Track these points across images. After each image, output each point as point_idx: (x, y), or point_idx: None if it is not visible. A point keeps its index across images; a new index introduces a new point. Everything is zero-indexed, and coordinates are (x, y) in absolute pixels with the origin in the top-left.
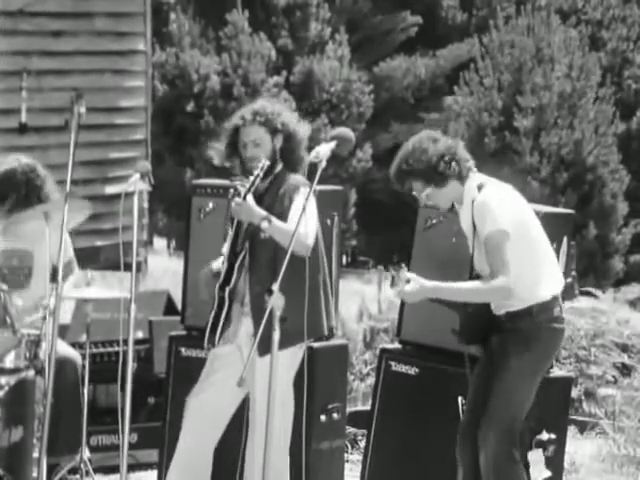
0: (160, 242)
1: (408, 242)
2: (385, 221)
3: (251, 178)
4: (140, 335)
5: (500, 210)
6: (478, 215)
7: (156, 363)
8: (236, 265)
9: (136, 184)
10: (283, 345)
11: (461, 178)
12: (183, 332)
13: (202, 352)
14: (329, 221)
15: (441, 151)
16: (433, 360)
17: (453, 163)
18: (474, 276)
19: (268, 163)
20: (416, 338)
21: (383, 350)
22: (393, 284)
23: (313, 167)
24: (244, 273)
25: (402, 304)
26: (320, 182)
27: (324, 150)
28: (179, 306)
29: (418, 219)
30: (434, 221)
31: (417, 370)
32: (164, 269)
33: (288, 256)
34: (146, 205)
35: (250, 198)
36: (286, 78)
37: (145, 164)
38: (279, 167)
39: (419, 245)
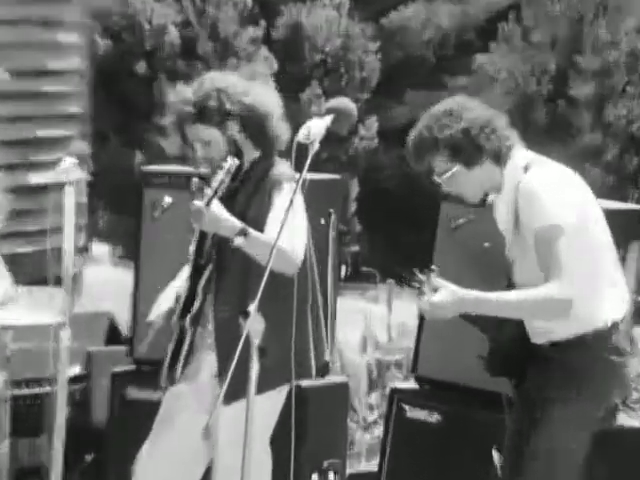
0: (101, 248)
1: (427, 249)
2: (397, 220)
3: (215, 180)
4: (75, 371)
5: (555, 198)
6: (525, 204)
7: (95, 408)
8: (200, 285)
9: (70, 172)
10: (259, 388)
11: (499, 159)
12: (130, 367)
13: (155, 394)
14: (324, 220)
15: (476, 120)
16: (460, 403)
17: (492, 136)
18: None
19: (237, 163)
20: (437, 374)
21: (394, 390)
22: (420, 293)
23: (303, 150)
24: (210, 294)
25: (420, 330)
26: (312, 169)
27: (317, 127)
28: (125, 332)
29: (440, 218)
30: (461, 220)
31: (439, 417)
32: (106, 283)
33: (267, 273)
34: (84, 200)
35: (216, 205)
36: (266, 31)
37: (82, 145)
38: (254, 154)
39: (442, 252)
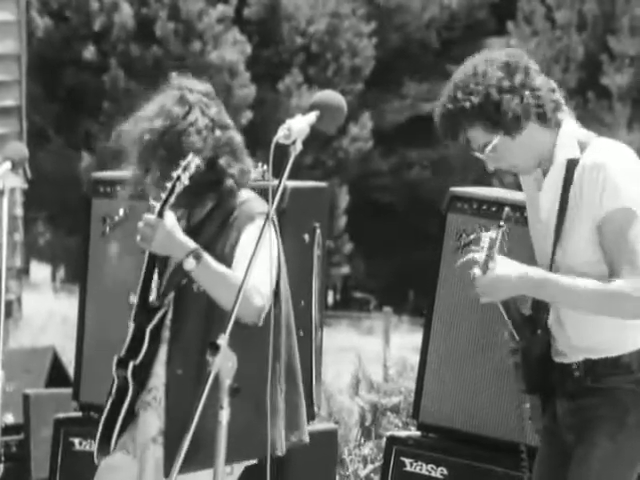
0: (41, 270)
1: (431, 269)
2: (394, 236)
3: (168, 185)
4: (10, 419)
5: (630, 180)
6: (594, 183)
7: (35, 463)
8: (148, 328)
9: (3, 178)
10: (205, 462)
11: (545, 120)
12: (76, 414)
13: None
14: (307, 236)
15: (506, 77)
16: (469, 455)
17: (527, 94)
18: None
19: (197, 161)
20: (443, 421)
21: (392, 439)
22: (473, 263)
23: (283, 152)
24: (162, 342)
25: (422, 367)
26: (293, 175)
27: (299, 126)
28: (70, 371)
29: (446, 233)
30: (472, 236)
31: (445, 471)
32: (48, 313)
33: (233, 318)
34: (19, 212)
35: (170, 217)
36: (237, 10)
37: (18, 146)
38: (227, 183)
39: (448, 274)
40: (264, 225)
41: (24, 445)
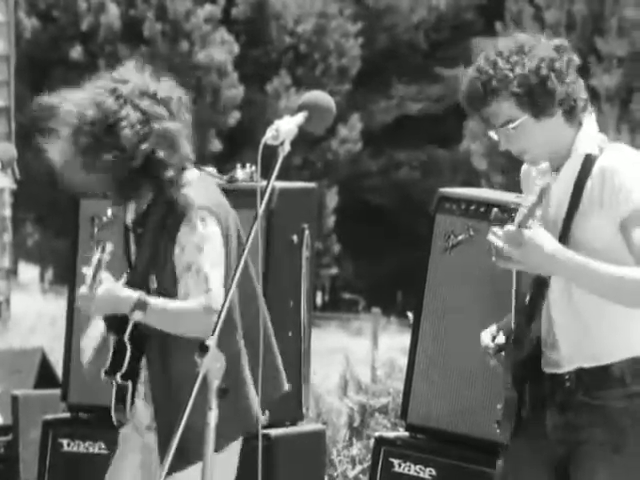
0: (30, 271)
1: (419, 270)
2: (383, 238)
3: (95, 257)
4: None
5: None
6: (614, 185)
7: (23, 464)
8: (126, 336)
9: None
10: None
11: (571, 114)
12: (65, 415)
13: (94, 446)
14: (295, 237)
15: (551, 59)
16: (458, 456)
17: (567, 81)
18: (520, 307)
19: (110, 216)
20: (431, 422)
21: (380, 440)
22: (525, 222)
23: (271, 153)
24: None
25: (410, 368)
26: (282, 176)
27: (287, 127)
28: (59, 372)
29: (435, 234)
30: (460, 237)
31: (434, 472)
32: (36, 314)
33: (222, 317)
34: (8, 213)
35: (106, 279)
36: (225, 10)
37: (7, 147)
38: (168, 174)
39: (436, 275)
40: (252, 225)
41: (12, 446)
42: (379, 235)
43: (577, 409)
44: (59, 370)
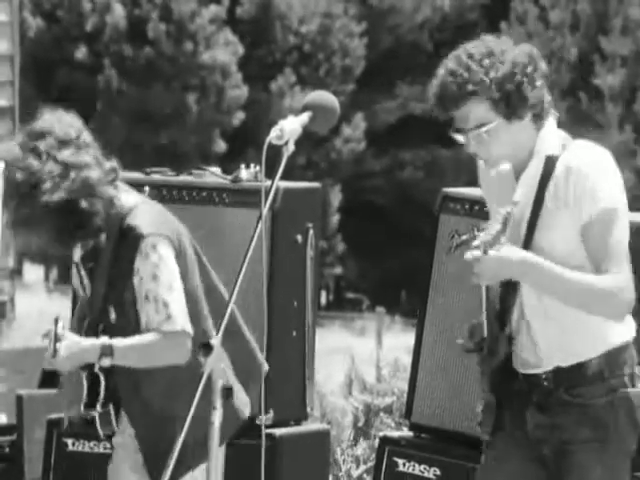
0: (34, 271)
1: (423, 270)
2: (388, 236)
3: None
4: (3, 420)
5: (610, 181)
6: (576, 185)
7: (28, 464)
8: (96, 367)
9: None
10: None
11: (539, 117)
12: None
13: (99, 445)
14: (300, 237)
15: (522, 63)
16: (462, 456)
17: (538, 85)
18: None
19: (62, 325)
20: (435, 421)
21: (385, 440)
22: (486, 246)
23: (275, 153)
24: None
25: (415, 368)
26: (286, 176)
27: (292, 126)
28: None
29: (439, 234)
30: (464, 237)
31: (438, 471)
32: (41, 314)
33: (226, 316)
34: None
35: (67, 338)
36: (230, 10)
37: (11, 147)
38: (94, 223)
39: (440, 275)
40: (257, 225)
41: (17, 446)
42: (383, 234)
43: (558, 408)
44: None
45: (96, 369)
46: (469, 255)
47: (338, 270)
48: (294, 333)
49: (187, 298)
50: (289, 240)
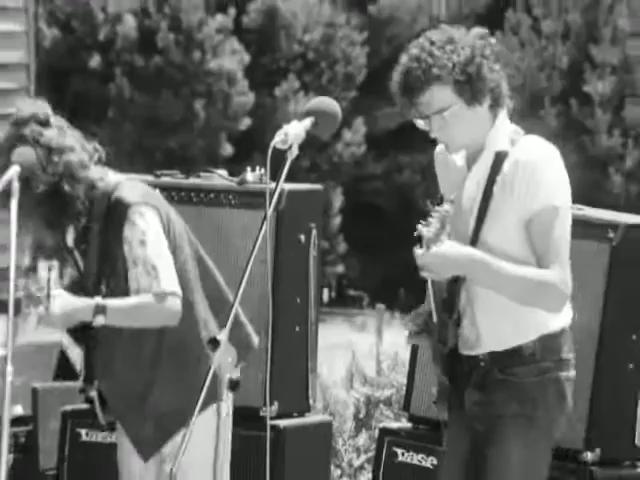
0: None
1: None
2: (387, 236)
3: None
4: (19, 411)
5: (556, 178)
6: (522, 179)
7: (43, 454)
8: (92, 339)
9: (13, 181)
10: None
11: (496, 103)
12: (83, 406)
13: (112, 435)
14: (303, 237)
15: (480, 48)
16: None
17: (495, 69)
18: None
19: (53, 273)
20: (433, 413)
21: (384, 431)
22: (428, 243)
23: (280, 157)
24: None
25: (413, 362)
26: (290, 178)
27: (295, 131)
28: (78, 366)
29: None
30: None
31: (435, 461)
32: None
33: (234, 310)
34: None
35: (59, 296)
36: (236, 19)
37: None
38: (77, 205)
39: None
40: (261, 225)
41: (32, 436)
42: (382, 234)
43: (493, 386)
44: (78, 363)
45: (94, 323)
46: (415, 251)
47: (340, 268)
48: (297, 328)
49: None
50: (293, 240)
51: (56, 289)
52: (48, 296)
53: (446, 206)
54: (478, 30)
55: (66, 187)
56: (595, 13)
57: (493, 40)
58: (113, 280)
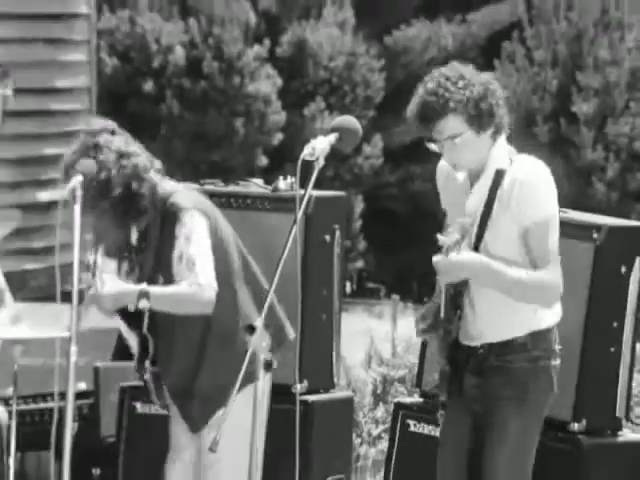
0: (109, 263)
1: (431, 264)
2: (401, 237)
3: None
4: (82, 387)
5: (548, 194)
6: (520, 196)
7: (103, 423)
8: (144, 328)
9: (78, 189)
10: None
11: (498, 131)
12: (138, 382)
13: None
14: (328, 237)
15: (489, 85)
16: None
17: (501, 103)
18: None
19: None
20: None
21: (399, 405)
22: (448, 251)
23: (308, 167)
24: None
25: (424, 345)
26: (317, 186)
27: (322, 145)
28: (132, 350)
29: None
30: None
31: None
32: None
33: (268, 300)
34: None
35: (108, 279)
36: (270, 49)
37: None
38: (142, 203)
39: None
40: (292, 227)
41: (94, 408)
42: (397, 235)
43: (490, 372)
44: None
45: (144, 330)
46: (434, 257)
47: (360, 264)
48: (324, 317)
49: (221, 274)
50: (319, 240)
51: (106, 273)
52: (96, 278)
53: (466, 219)
54: (486, 74)
55: (134, 186)
56: (580, 44)
57: (498, 85)
58: (166, 275)
